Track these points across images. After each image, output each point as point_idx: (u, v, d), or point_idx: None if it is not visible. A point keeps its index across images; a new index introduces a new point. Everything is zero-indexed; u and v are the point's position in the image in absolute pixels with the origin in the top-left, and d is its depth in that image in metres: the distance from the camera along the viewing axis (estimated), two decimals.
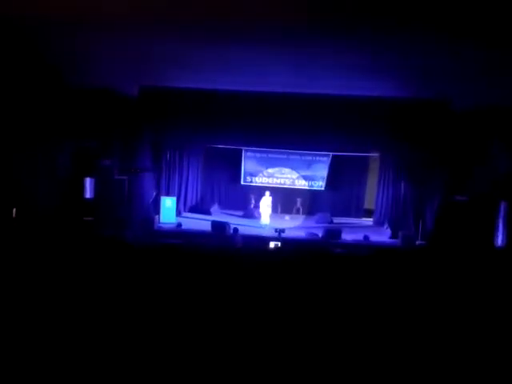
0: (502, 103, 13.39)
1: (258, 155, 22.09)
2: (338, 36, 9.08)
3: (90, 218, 14.51)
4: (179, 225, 17.00)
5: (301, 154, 21.76)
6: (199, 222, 18.19)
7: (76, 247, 7.35)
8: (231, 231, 15.99)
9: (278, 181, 22.15)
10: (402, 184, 17.83)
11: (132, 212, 16.04)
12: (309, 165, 21.92)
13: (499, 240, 14.13)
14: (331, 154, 21.41)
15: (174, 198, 18.62)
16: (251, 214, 20.42)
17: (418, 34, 8.72)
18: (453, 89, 12.83)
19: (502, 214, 14.25)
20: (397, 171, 18.58)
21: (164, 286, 5.73)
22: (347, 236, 16.24)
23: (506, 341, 4.58)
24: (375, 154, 20.76)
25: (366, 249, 14.17)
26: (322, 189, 21.96)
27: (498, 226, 14.23)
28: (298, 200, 22.10)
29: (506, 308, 5.27)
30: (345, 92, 14.40)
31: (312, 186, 22.04)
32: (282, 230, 15.49)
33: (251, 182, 22.27)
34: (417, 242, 15.71)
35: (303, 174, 21.99)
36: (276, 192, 20.89)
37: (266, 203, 18.55)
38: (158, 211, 17.77)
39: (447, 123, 14.76)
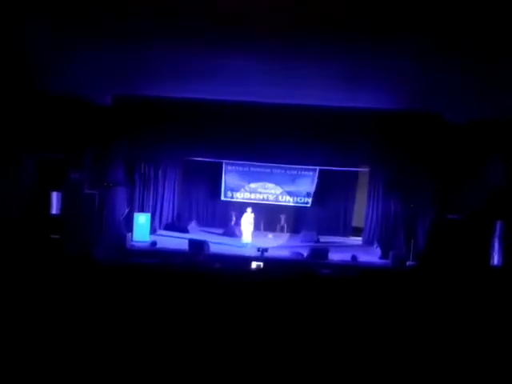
0: (498, 116, 13.64)
1: (240, 169, 22.14)
2: (326, 44, 9.23)
3: (56, 236, 14.33)
4: (153, 243, 16.90)
5: (285, 168, 21.88)
6: (175, 241, 18.11)
7: (41, 267, 7.25)
8: (209, 250, 15.95)
9: (261, 196, 22.20)
10: (393, 200, 17.99)
11: (102, 229, 15.91)
12: (294, 179, 22.03)
13: (495, 260, 14.29)
14: (318, 168, 21.56)
15: (149, 215, 18.54)
16: (232, 231, 20.39)
17: (410, 42, 8.88)
18: (446, 100, 13.06)
19: (497, 232, 14.42)
20: (387, 187, 18.76)
21: (137, 310, 5.68)
22: (334, 256, 16.27)
23: (503, 365, 4.63)
24: (365, 169, 20.95)
25: (354, 270, 14.22)
26: (308, 205, 22.04)
27: (493, 246, 14.40)
28: (282, 217, 22.15)
29: (503, 330, 5.32)
30: (333, 103, 14.59)
31: (297, 202, 22.13)
32: (265, 249, 15.47)
33: (232, 197, 22.28)
34: (408, 263, 15.79)
35: (288, 189, 22.09)
36: (259, 208, 20.93)
37: (247, 220, 18.56)
38: (130, 229, 17.65)
39: (440, 136, 14.98)
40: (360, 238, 21.18)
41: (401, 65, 10.18)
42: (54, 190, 14.96)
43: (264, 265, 12.95)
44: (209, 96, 14.69)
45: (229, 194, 22.29)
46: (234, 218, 21.63)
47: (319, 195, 21.99)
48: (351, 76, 11.23)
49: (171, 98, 15.02)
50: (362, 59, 10.05)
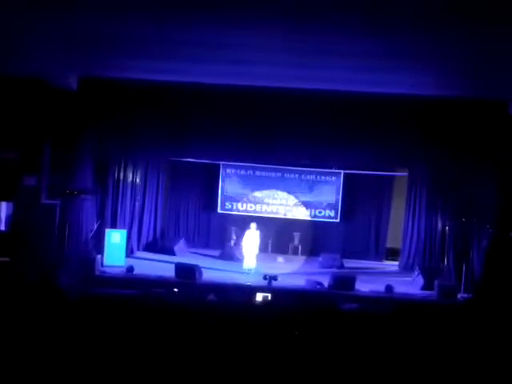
0: None
1: (242, 173, 22.16)
2: (358, 12, 9.13)
3: (5, 258, 14.33)
4: (130, 269, 16.88)
5: (301, 172, 21.88)
6: (158, 266, 18.07)
7: None
8: (202, 277, 15.94)
9: (269, 208, 22.18)
10: (439, 214, 17.94)
11: (65, 250, 15.90)
12: (312, 187, 22.02)
13: None
14: (342, 171, 21.56)
15: (124, 232, 18.53)
16: (231, 254, 20.35)
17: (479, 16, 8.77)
18: None
19: None
20: (432, 196, 18.71)
21: (109, 354, 5.68)
22: (363, 286, 16.21)
23: None
24: (403, 173, 20.91)
25: (388, 304, 14.15)
26: (330, 220, 22.01)
27: None
28: (296, 235, 22.10)
29: None
30: (364, 88, 14.61)
31: (316, 215, 22.08)
32: (274, 277, 15.41)
33: (232, 209, 22.27)
34: (459, 295, 15.72)
35: (304, 199, 22.06)
36: (266, 224, 20.88)
37: (251, 239, 18.53)
38: (100, 249, 17.64)
39: (504, 131, 14.94)
40: (396, 263, 21.09)
41: (459, 42, 10.11)
42: (2, 200, 14.99)
43: (272, 297, 12.91)
44: (202, 79, 14.71)
45: (227, 205, 22.28)
46: (233, 237, 21.57)
47: (344, 207, 21.95)
48: (391, 53, 11.22)
49: (154, 82, 15.05)
50: (408, 33, 9.99)
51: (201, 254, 21.10)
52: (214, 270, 17.59)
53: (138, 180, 20.38)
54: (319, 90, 14.89)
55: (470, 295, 15.63)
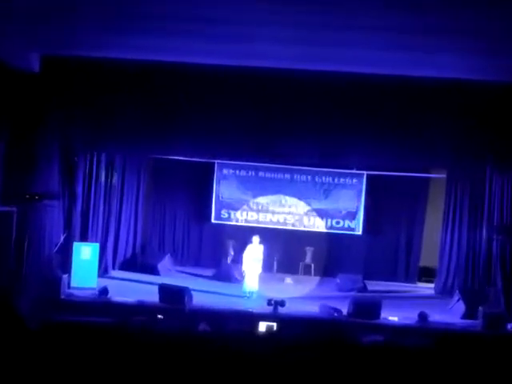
0: None
1: (242, 174, 22.21)
2: None
3: None
4: (103, 291, 16.89)
5: (314, 174, 21.92)
6: (138, 288, 18.14)
7: None
8: (191, 302, 15.93)
9: (275, 218, 22.22)
10: (485, 226, 17.92)
11: (23, 268, 15.91)
12: (327, 191, 22.06)
13: None
14: (365, 173, 21.58)
15: (97, 246, 18.55)
16: (228, 274, 20.38)
17: None
18: None
19: None
20: (476, 203, 18.70)
21: None
22: (390, 314, 16.22)
23: None
24: (440, 175, 20.91)
25: (421, 336, 14.13)
26: (350, 232, 22.02)
27: None
28: (309, 251, 22.13)
29: None
30: (392, 71, 14.67)
31: (332, 226, 22.12)
32: (281, 303, 15.41)
33: (229, 219, 22.31)
34: (509, 326, 15.72)
35: (318, 206, 22.11)
36: (271, 237, 20.94)
37: (253, 256, 18.53)
38: (67, 268, 17.66)
39: None
40: (432, 286, 21.09)
41: None
42: None
43: (278, 327, 12.90)
44: (192, 59, 14.75)
45: (224, 213, 22.32)
46: (231, 253, 21.62)
47: (367, 217, 22.00)
48: (431, 29, 11.26)
49: (132, 61, 15.10)
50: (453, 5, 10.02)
51: (191, 274, 21.17)
52: (206, 294, 17.61)
53: (113, 182, 20.39)
54: (338, 73, 14.94)
55: None
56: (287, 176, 22.10)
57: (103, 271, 19.39)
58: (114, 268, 20.61)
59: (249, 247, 18.62)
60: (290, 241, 22.19)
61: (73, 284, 17.46)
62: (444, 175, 20.61)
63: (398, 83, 15.07)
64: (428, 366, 6.65)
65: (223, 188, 22.22)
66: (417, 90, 15.10)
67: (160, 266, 20.99)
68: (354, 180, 21.92)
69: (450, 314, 17.35)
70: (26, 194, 16.13)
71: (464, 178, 19.24)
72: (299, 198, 22.14)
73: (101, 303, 16.15)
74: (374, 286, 20.62)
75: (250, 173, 22.15)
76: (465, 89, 14.96)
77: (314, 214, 22.14)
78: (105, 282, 18.08)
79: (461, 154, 16.42)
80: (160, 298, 16.06)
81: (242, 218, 22.26)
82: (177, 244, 23.07)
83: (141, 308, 15.72)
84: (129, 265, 21.18)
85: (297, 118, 15.82)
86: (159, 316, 13.94)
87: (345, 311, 16.22)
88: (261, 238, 18.90)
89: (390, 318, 16.01)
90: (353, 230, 22.07)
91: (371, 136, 15.98)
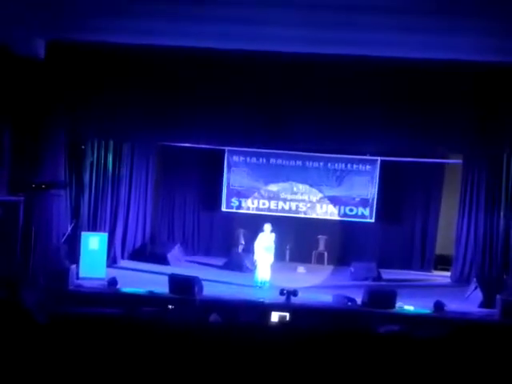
0: None
1: (253, 161, 22.17)
2: None
3: None
4: (112, 282, 16.93)
5: (327, 160, 21.87)
6: (148, 278, 18.18)
7: None
8: (202, 292, 15.95)
9: (287, 206, 22.20)
10: (504, 212, 17.86)
11: (31, 259, 15.97)
12: (340, 178, 22.01)
13: None
14: (379, 158, 21.52)
15: (105, 236, 18.58)
16: (239, 263, 20.40)
17: None
18: None
19: None
20: (494, 189, 18.63)
21: None
22: (406, 303, 16.20)
23: None
24: (456, 161, 20.83)
25: (438, 325, 14.12)
26: (364, 220, 21.99)
27: None
28: (321, 239, 22.13)
29: None
30: (407, 54, 14.62)
31: (346, 214, 22.08)
32: (293, 292, 15.43)
33: (239, 207, 22.30)
34: None
35: (331, 193, 22.07)
36: (283, 225, 20.93)
37: (264, 245, 18.53)
38: (75, 258, 17.70)
39: None
40: (448, 274, 21.06)
41: None
42: None
43: (291, 317, 12.91)
44: (201, 43, 14.72)
45: (234, 201, 22.32)
46: (242, 242, 21.62)
47: (381, 204, 21.94)
48: (444, 10, 11.22)
49: (140, 46, 15.07)
50: None
51: (201, 264, 21.22)
52: (217, 283, 17.66)
53: (121, 171, 20.40)
54: (350, 56, 14.90)
55: None
56: (299, 163, 22.05)
57: (112, 261, 19.42)
58: (122, 258, 20.66)
59: (260, 236, 18.60)
60: (303, 229, 22.18)
61: (81, 275, 17.51)
62: (460, 160, 20.48)
63: (413, 66, 15.03)
64: (444, 356, 6.64)
65: (233, 175, 22.18)
66: (432, 73, 15.07)
67: (170, 256, 21.01)
68: (368, 166, 21.85)
69: (467, 302, 17.32)
70: (33, 183, 16.16)
71: (480, 163, 19.09)
72: (311, 185, 22.09)
73: (110, 294, 16.19)
74: (388, 274, 20.56)
75: (260, 160, 22.11)
76: (481, 72, 14.94)
77: (327, 201, 22.10)
78: (114, 272, 18.12)
79: (477, 138, 16.35)
80: (170, 289, 16.08)
81: (253, 206, 22.24)
82: (187, 233, 23.09)
83: (150, 299, 15.74)
84: (138, 255, 21.22)
85: (308, 103, 15.80)
86: (169, 306, 13.97)
87: (359, 301, 16.21)
88: (272, 226, 18.84)
89: (406, 308, 16.01)
90: (367, 217, 22.02)
91: (385, 121, 15.94)
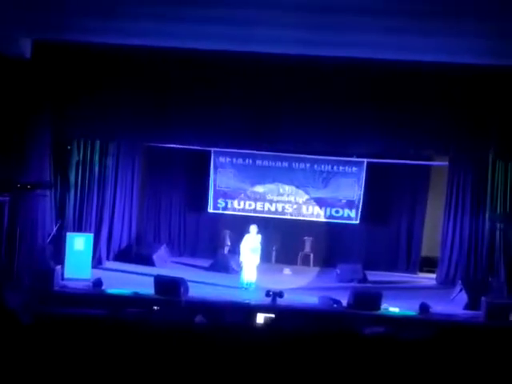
0: None
1: (239, 162, 22.15)
2: None
3: None
4: (97, 283, 16.90)
5: (313, 162, 21.86)
6: (133, 279, 18.15)
7: None
8: (188, 293, 15.95)
9: (273, 207, 22.19)
10: (489, 215, 17.93)
11: (16, 259, 15.92)
12: (327, 180, 22.01)
13: None
14: (365, 160, 21.54)
15: (90, 236, 18.55)
16: (225, 264, 20.39)
17: None
18: None
19: None
20: (479, 191, 18.70)
21: None
22: (391, 305, 16.24)
23: None
24: (442, 163, 20.89)
25: (423, 327, 14.16)
26: (350, 222, 22.01)
27: None
28: (308, 241, 22.13)
29: None
30: (393, 56, 14.71)
31: (332, 216, 22.09)
32: (279, 294, 15.44)
33: (226, 208, 22.28)
34: None
35: (317, 195, 22.06)
36: (269, 227, 20.96)
37: (250, 246, 18.53)
38: (60, 259, 17.66)
39: None
40: (433, 276, 21.10)
41: None
42: None
43: (277, 319, 12.92)
44: (188, 43, 14.74)
45: (220, 202, 22.29)
46: (228, 243, 21.59)
47: (367, 205, 21.96)
48: (430, 12, 11.27)
49: (127, 47, 15.08)
50: None
51: (187, 265, 21.20)
52: (203, 285, 17.64)
53: (107, 171, 20.34)
54: (335, 58, 14.97)
55: None
56: (285, 164, 22.02)
57: (97, 262, 19.39)
58: (108, 259, 20.60)
59: (246, 237, 18.61)
60: (289, 230, 22.16)
61: (66, 275, 17.47)
62: (446, 163, 20.56)
63: (399, 68, 15.10)
64: (430, 357, 6.67)
65: (220, 177, 22.15)
66: (418, 75, 15.15)
67: (155, 257, 20.98)
68: (354, 168, 21.86)
69: (452, 304, 17.38)
70: (18, 183, 16.12)
71: (466, 166, 19.23)
72: (297, 187, 22.08)
73: (95, 295, 16.16)
74: (374, 276, 20.60)
75: (247, 161, 22.08)
76: (467, 73, 15.02)
77: (313, 202, 22.09)
78: (99, 273, 18.10)
79: (463, 140, 16.46)
80: (155, 290, 16.07)
81: (239, 207, 22.21)
82: (173, 234, 23.04)
83: (136, 300, 15.74)
84: (123, 255, 21.16)
85: (295, 105, 15.84)
86: (155, 308, 13.95)
87: (345, 302, 16.25)
88: (258, 227, 18.87)
89: (391, 309, 16.05)
90: (352, 219, 22.02)
91: (371, 122, 16.00)
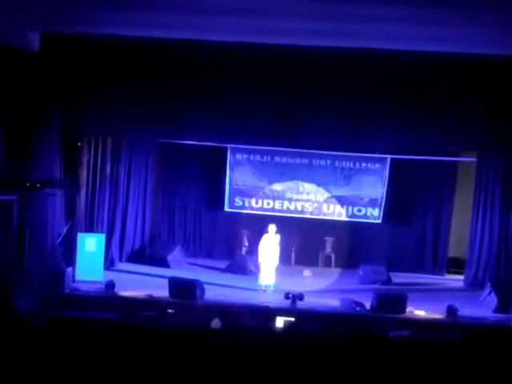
0: None
1: (257, 159, 22.16)
2: None
3: None
4: (110, 285, 16.94)
5: (334, 158, 21.85)
6: (147, 281, 18.19)
7: None
8: (204, 296, 15.95)
9: (293, 206, 22.19)
10: None
11: (25, 260, 15.98)
12: (348, 177, 21.98)
13: None
14: (389, 157, 21.49)
15: (103, 237, 18.59)
16: (242, 265, 20.41)
17: None
18: None
19: None
20: (509, 188, 18.63)
21: None
22: (417, 307, 16.21)
23: None
24: (470, 158, 20.82)
25: (450, 331, 14.11)
26: (373, 221, 21.97)
27: None
28: (329, 241, 22.12)
29: None
30: (419, 47, 14.63)
31: (354, 215, 22.07)
32: (299, 296, 15.45)
33: (243, 207, 22.30)
34: None
35: (339, 193, 22.05)
36: (288, 226, 20.95)
37: (269, 246, 18.53)
38: (71, 260, 17.72)
39: None
40: (461, 278, 21.03)
41: None
42: None
43: (296, 322, 12.91)
44: (202, 35, 14.74)
45: (237, 201, 22.31)
46: (245, 243, 21.61)
47: (391, 204, 21.92)
48: (457, 1, 11.25)
49: (139, 39, 15.08)
50: None
51: (203, 266, 21.24)
52: (219, 287, 17.68)
53: (119, 169, 20.40)
54: (358, 50, 14.90)
55: None
56: (305, 161, 22.00)
57: (109, 264, 19.45)
58: (121, 260, 20.68)
59: (264, 237, 18.60)
60: (309, 230, 22.15)
61: (77, 277, 17.54)
62: (474, 158, 20.46)
63: (424, 60, 15.03)
64: (458, 362, 6.64)
65: (237, 174, 22.15)
66: (444, 67, 15.08)
67: (170, 258, 21.03)
68: (377, 165, 21.81)
69: (481, 307, 17.30)
70: (27, 181, 16.18)
71: (495, 161, 19.12)
72: (318, 185, 22.06)
73: (107, 298, 16.20)
74: (398, 278, 20.57)
75: (265, 158, 22.08)
76: (496, 65, 14.93)
77: (334, 201, 22.07)
78: (111, 275, 18.14)
79: (492, 134, 16.34)
80: (170, 292, 16.10)
81: (257, 205, 22.22)
82: (188, 234, 23.06)
83: (150, 303, 15.76)
84: (137, 257, 21.23)
85: (315, 99, 15.79)
86: (169, 311, 13.97)
87: (368, 305, 16.23)
88: (277, 227, 18.84)
89: (417, 313, 16.01)
90: (376, 218, 21.98)
91: (395, 117, 15.95)
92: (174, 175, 22.60)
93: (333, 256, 22.06)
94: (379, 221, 21.95)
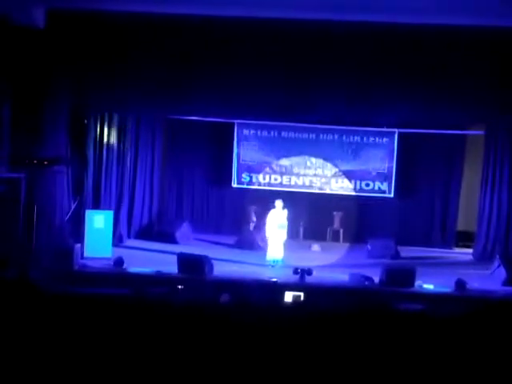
0: None
1: (264, 134, 22.11)
2: None
3: None
4: (118, 262, 16.98)
5: (341, 133, 21.78)
6: (156, 257, 18.25)
7: None
8: (212, 272, 15.98)
9: (300, 181, 22.16)
10: None
11: (33, 237, 16.02)
12: (356, 151, 21.92)
13: None
14: (397, 130, 21.42)
15: (111, 214, 18.63)
16: (250, 241, 20.43)
17: None
18: None
19: None
20: None
21: (94, 369, 5.73)
22: (426, 280, 16.22)
23: None
24: (478, 131, 20.74)
25: (459, 304, 14.13)
26: (381, 195, 21.94)
27: None
28: (337, 216, 22.10)
29: None
30: (426, 19, 14.58)
31: (362, 189, 22.03)
32: (308, 271, 15.49)
33: (250, 182, 22.28)
34: None
35: (346, 167, 22.00)
36: (296, 201, 20.96)
37: (277, 222, 18.53)
38: (80, 237, 17.76)
39: None
40: (470, 251, 21.03)
41: None
42: None
43: (305, 297, 12.94)
44: (208, 9, 14.69)
45: (245, 177, 22.29)
46: (253, 219, 21.60)
47: (400, 178, 21.87)
48: None
49: (144, 14, 15.05)
50: None
51: (211, 242, 21.24)
52: (228, 263, 17.74)
53: (126, 145, 20.39)
54: (364, 23, 14.84)
55: None
56: (312, 136, 21.93)
57: (118, 240, 19.49)
58: (129, 237, 20.72)
59: (272, 212, 18.59)
60: (317, 205, 22.13)
61: (86, 254, 17.59)
62: (482, 131, 20.38)
63: (431, 32, 14.97)
64: (467, 335, 6.65)
65: (244, 150, 22.12)
66: (451, 39, 15.02)
67: (178, 234, 21.07)
68: (385, 139, 21.74)
69: (490, 280, 17.31)
70: (35, 158, 16.19)
71: (504, 134, 19.05)
72: (325, 159, 22.01)
73: (116, 274, 16.27)
74: (407, 252, 20.56)
75: (272, 133, 22.03)
76: (503, 36, 14.84)
77: (342, 175, 22.03)
78: (120, 251, 18.18)
79: (500, 107, 16.28)
80: (179, 268, 16.14)
81: (264, 181, 22.19)
82: (195, 210, 23.07)
83: (158, 279, 15.82)
84: (145, 233, 21.26)
85: (322, 73, 15.75)
86: (179, 287, 14.01)
87: (376, 279, 16.25)
88: (285, 202, 18.85)
89: (425, 286, 16.02)
90: (384, 192, 21.95)
91: (403, 90, 15.90)
92: (182, 151, 22.56)
93: (341, 230, 22.06)
94: (389, 195, 21.89)
